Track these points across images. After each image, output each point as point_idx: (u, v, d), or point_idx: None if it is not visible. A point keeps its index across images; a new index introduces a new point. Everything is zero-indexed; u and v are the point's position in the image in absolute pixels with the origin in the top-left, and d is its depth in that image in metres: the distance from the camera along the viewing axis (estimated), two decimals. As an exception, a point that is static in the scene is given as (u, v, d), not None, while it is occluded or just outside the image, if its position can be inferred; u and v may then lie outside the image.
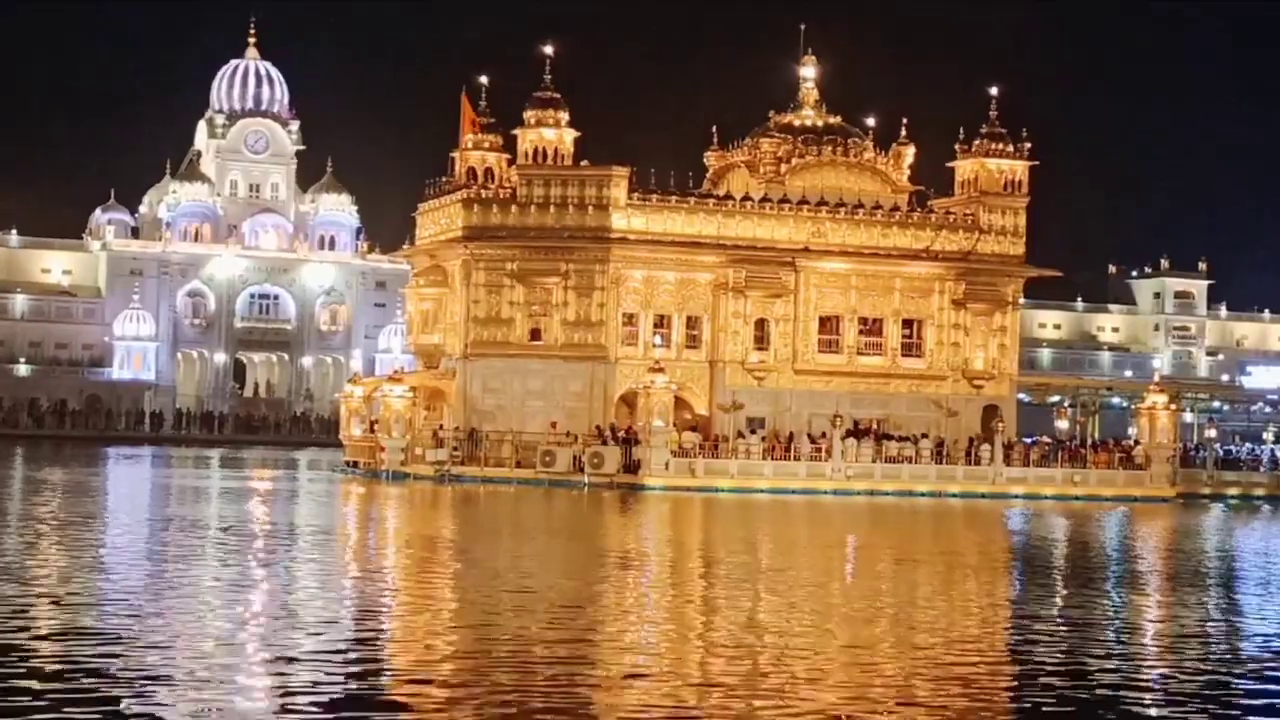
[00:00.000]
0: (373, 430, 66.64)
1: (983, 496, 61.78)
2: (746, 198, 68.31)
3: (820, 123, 71.34)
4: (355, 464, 67.32)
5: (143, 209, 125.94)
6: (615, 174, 66.30)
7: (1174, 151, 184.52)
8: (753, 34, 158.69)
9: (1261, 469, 71.96)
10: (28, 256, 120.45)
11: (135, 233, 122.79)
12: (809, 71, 72.62)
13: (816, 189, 69.06)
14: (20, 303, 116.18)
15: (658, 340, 66.01)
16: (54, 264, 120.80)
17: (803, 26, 73.27)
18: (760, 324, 67.23)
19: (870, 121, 71.88)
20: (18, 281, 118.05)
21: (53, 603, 23.70)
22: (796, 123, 71.16)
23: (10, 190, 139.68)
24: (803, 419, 66.09)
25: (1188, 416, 78.20)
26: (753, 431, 64.52)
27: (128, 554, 31.13)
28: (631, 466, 60.79)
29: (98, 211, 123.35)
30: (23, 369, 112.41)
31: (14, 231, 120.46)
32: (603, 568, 31.55)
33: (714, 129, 73.72)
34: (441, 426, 66.06)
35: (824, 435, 63.48)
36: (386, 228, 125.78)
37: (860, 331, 68.57)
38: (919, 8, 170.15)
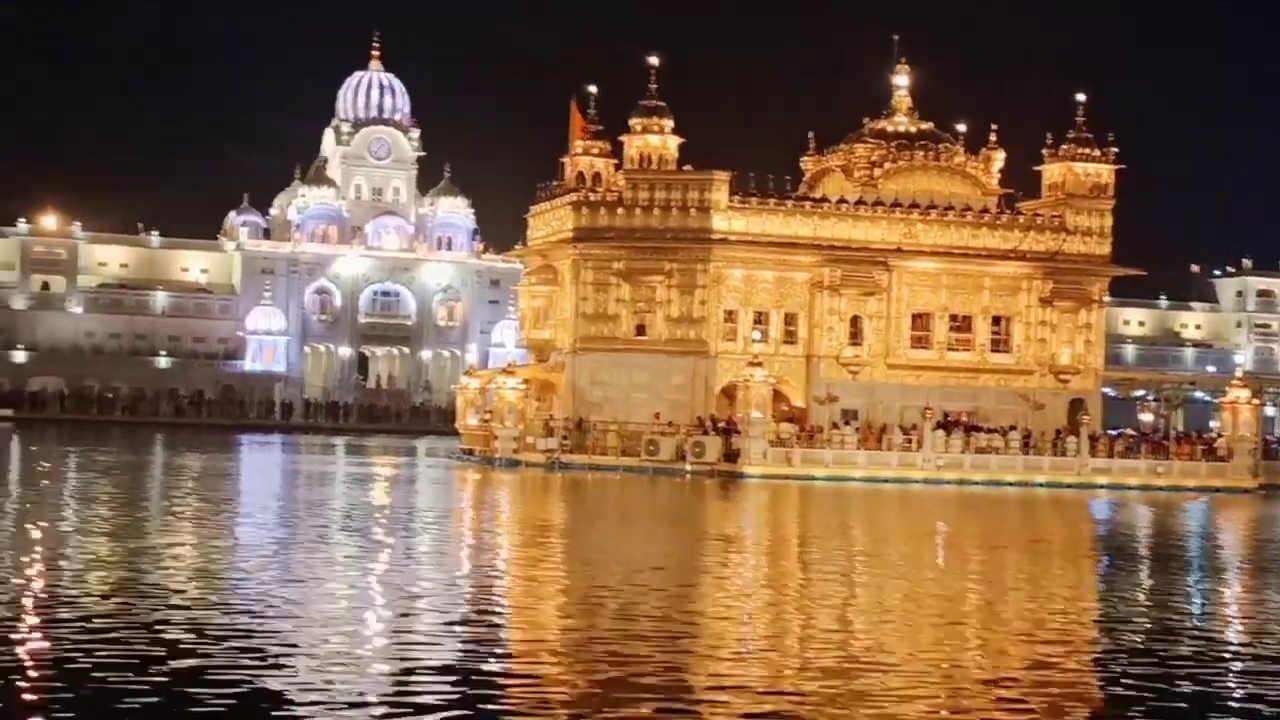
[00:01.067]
0: (487, 420, 66.97)
1: (1068, 487, 61.04)
2: (842, 200, 67.94)
3: (913, 128, 70.82)
4: (471, 451, 67.68)
5: (273, 211, 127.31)
6: (717, 178, 66.16)
7: (1255, 153, 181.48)
8: (848, 45, 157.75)
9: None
10: (167, 256, 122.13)
11: (267, 234, 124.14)
12: (902, 80, 72.13)
13: (908, 192, 68.55)
14: (161, 299, 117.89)
15: (756, 336, 65.81)
16: (192, 263, 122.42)
17: (896, 38, 72.93)
18: (854, 320, 66.87)
19: (960, 127, 71.28)
20: (159, 280, 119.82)
21: (190, 579, 24.00)
22: (890, 129, 70.70)
23: (152, 193, 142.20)
24: (895, 411, 65.63)
25: (1269, 410, 76.90)
26: (847, 423, 64.22)
27: (260, 535, 31.46)
28: (731, 455, 60.66)
29: (232, 214, 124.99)
30: (163, 361, 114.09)
31: (155, 233, 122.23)
32: (704, 550, 31.50)
33: (810, 135, 73.50)
34: (552, 416, 66.24)
35: (915, 427, 63.04)
36: (500, 229, 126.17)
37: (950, 328, 68.04)
38: (1006, 18, 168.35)
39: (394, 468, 61.41)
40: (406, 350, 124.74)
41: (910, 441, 62.45)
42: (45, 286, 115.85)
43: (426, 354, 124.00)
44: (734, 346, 65.60)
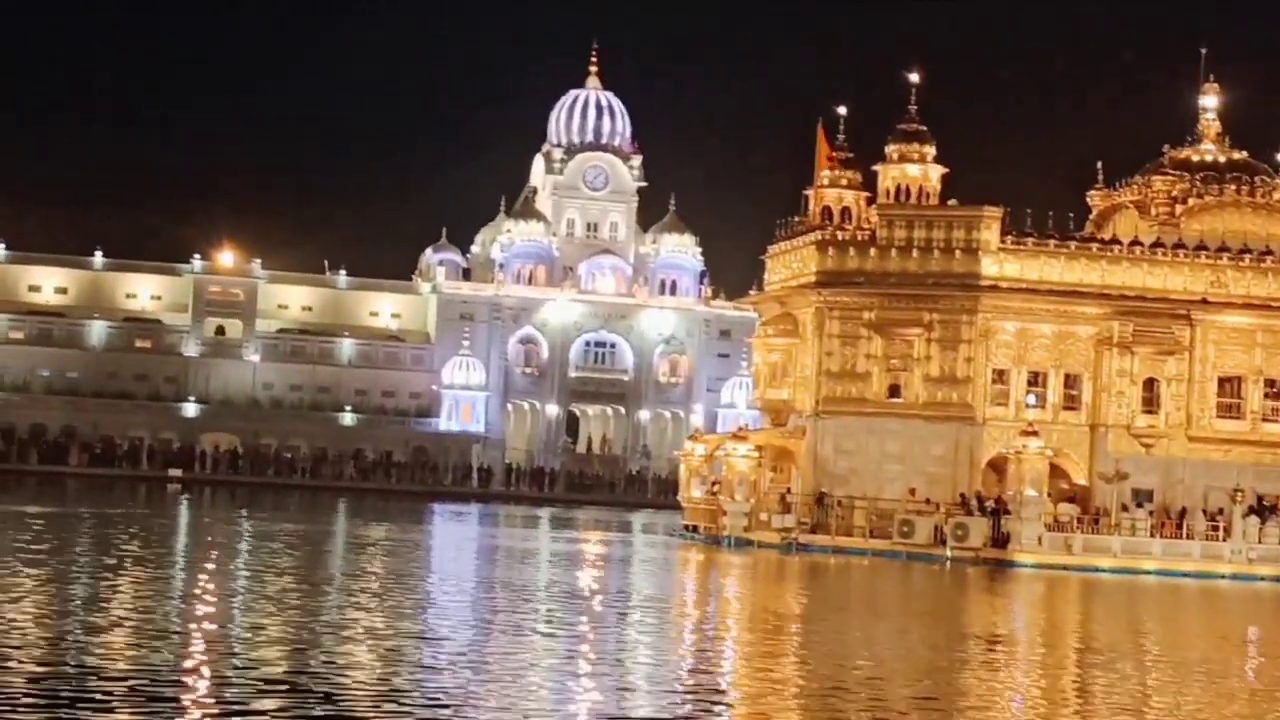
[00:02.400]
0: (714, 492, 67.03)
1: None
2: (1135, 242, 66.81)
3: (1222, 158, 69.42)
4: (694, 528, 67.79)
5: (475, 249, 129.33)
6: (986, 215, 65.57)
7: None
8: (1145, 60, 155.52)
9: None
10: (355, 298, 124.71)
11: (466, 274, 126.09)
12: (1210, 101, 70.79)
13: (1216, 233, 67.15)
14: (347, 347, 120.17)
15: (1031, 400, 64.90)
16: (382, 306, 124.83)
17: (1203, 50, 71.57)
18: (1149, 384, 65.57)
19: (1280, 157, 69.75)
20: (345, 324, 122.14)
21: (374, 665, 24.43)
22: (1195, 158, 69.40)
23: (339, 230, 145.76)
24: (1197, 492, 64.10)
25: None
26: (1139, 505, 62.89)
27: (455, 620, 31.89)
28: (999, 540, 59.82)
29: (428, 251, 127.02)
30: (348, 418, 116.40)
31: (342, 271, 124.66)
32: (966, 652, 31.08)
33: (1098, 165, 72.48)
34: (789, 490, 66.05)
35: (1222, 512, 61.51)
36: (732, 271, 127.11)
37: (1266, 395, 66.34)
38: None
39: (606, 545, 61.78)
40: (622, 410, 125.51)
41: (1216, 529, 60.93)
42: (220, 331, 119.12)
43: (645, 414, 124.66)
44: (1004, 412, 64.76)
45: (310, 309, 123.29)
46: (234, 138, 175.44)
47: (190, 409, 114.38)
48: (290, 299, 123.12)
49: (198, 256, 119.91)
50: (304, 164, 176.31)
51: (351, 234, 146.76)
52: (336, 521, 69.05)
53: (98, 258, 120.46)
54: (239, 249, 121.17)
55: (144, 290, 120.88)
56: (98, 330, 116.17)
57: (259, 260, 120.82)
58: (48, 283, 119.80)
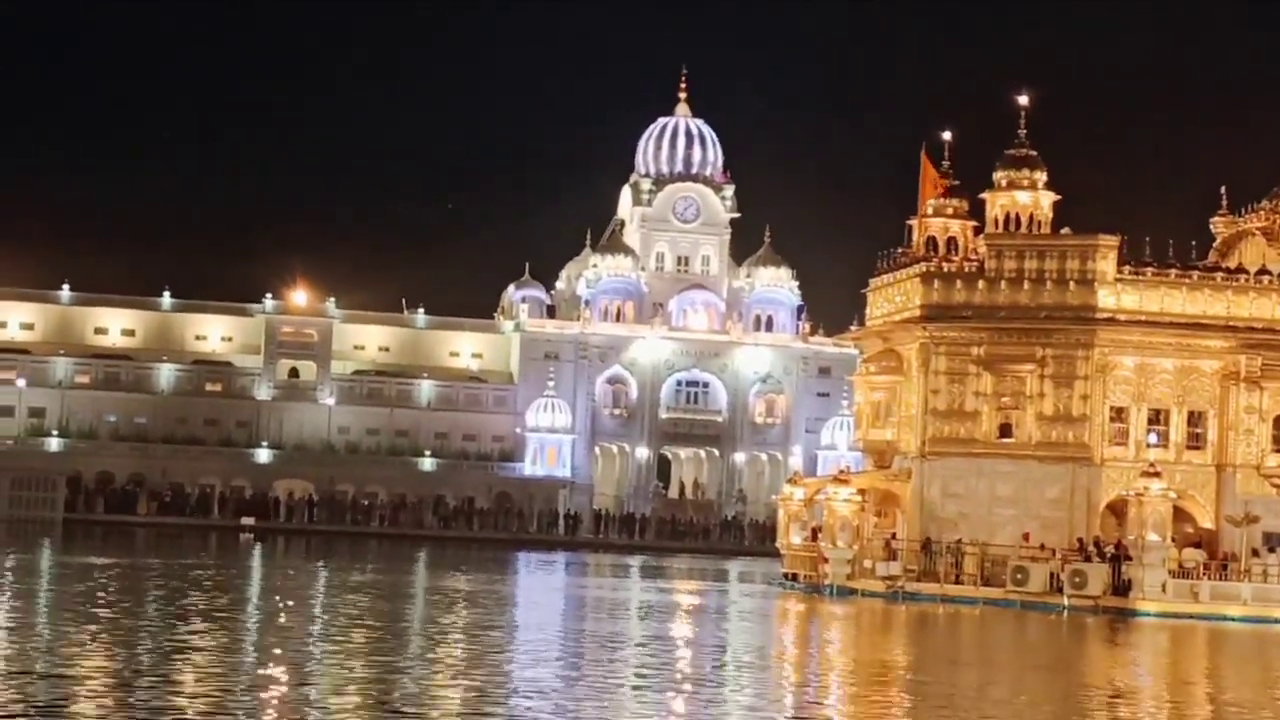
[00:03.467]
0: (814, 539, 66.79)
1: None
2: (1263, 271, 66.17)
3: (1356, 179, 68.74)
4: (794, 577, 67.54)
5: (559, 285, 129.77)
6: (1102, 243, 65.15)
7: None
8: (1274, 76, 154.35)
9: None
10: (434, 338, 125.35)
11: (551, 311, 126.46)
12: (1340, 118, 70.10)
13: (1351, 259, 66.52)
14: (426, 389, 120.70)
15: (1152, 439, 64.32)
16: (463, 346, 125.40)
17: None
18: (1279, 422, 64.93)
19: None
20: (424, 366, 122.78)
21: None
22: (1328, 179, 68.77)
23: (416, 266, 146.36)
24: (1332, 536, 63.37)
25: None
26: (1271, 549, 62.13)
27: (543, 676, 31.86)
28: (1120, 588, 59.25)
29: (511, 288, 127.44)
30: (428, 463, 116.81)
31: (420, 310, 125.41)
32: (1086, 707, 30.75)
33: (1222, 190, 71.85)
34: (894, 536, 65.72)
35: (1359, 557, 60.69)
36: (832, 306, 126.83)
37: (1405, 431, 65.44)
38: None
39: (700, 595, 61.62)
40: (716, 452, 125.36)
41: (1352, 575, 60.16)
42: (294, 374, 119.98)
43: (741, 457, 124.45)
44: (1124, 452, 64.24)
45: (387, 349, 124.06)
46: (306, 172, 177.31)
47: (263, 454, 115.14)
48: (366, 339, 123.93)
49: (269, 296, 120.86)
50: (380, 199, 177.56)
51: (430, 271, 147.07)
52: (417, 572, 69.25)
53: (166, 298, 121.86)
54: (312, 287, 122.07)
55: (214, 331, 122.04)
56: (166, 373, 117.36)
57: (333, 299, 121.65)
58: (114, 325, 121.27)
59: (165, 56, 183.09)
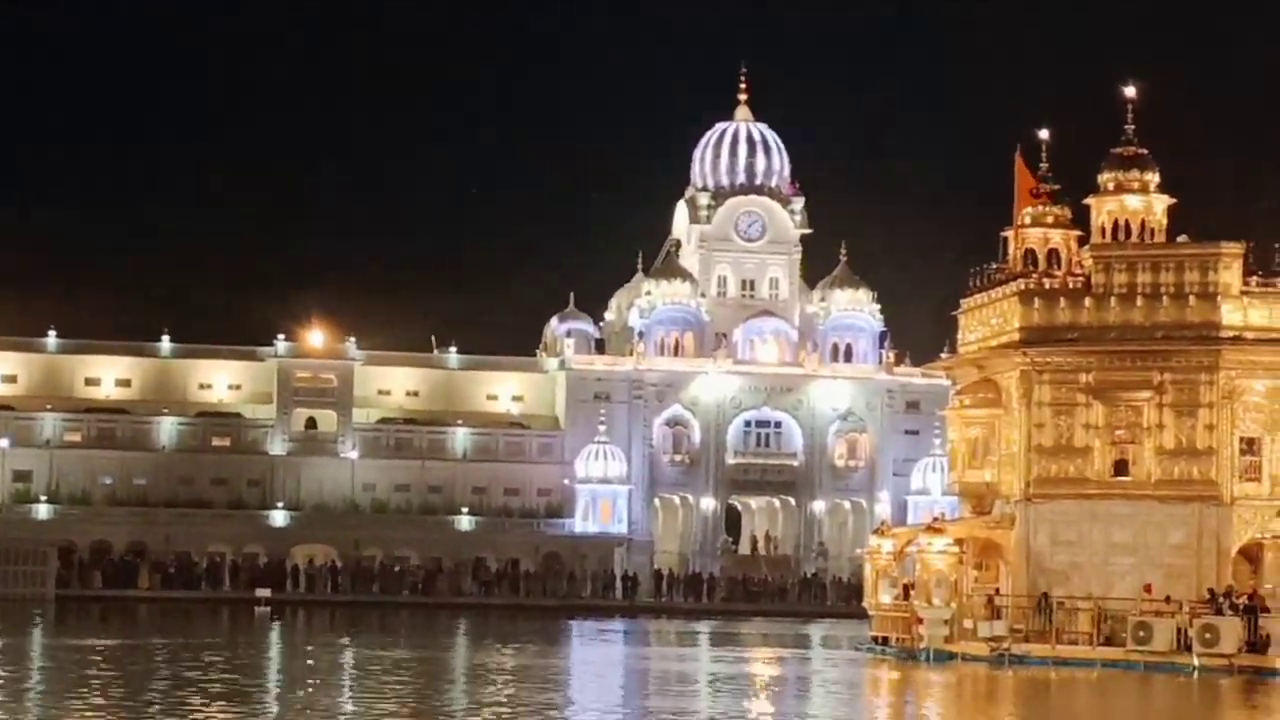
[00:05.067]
0: (906, 597, 66.67)
1: None
2: None
3: None
4: (884, 640, 67.38)
5: (609, 316, 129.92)
6: (1225, 252, 64.94)
7: None
8: None
9: None
10: (470, 380, 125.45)
11: (600, 346, 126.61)
12: None
13: None
14: (461, 438, 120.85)
15: (1290, 473, 64.05)
16: (501, 388, 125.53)
17: None
18: None
19: None
20: (458, 411, 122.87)
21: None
22: None
23: (447, 300, 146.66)
24: None
25: None
26: None
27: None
28: (1258, 644, 58.88)
29: (554, 321, 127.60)
30: (465, 521, 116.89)
31: (453, 349, 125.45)
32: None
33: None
34: (998, 591, 65.49)
35: None
36: (919, 332, 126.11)
37: None
38: None
39: (779, 665, 61.57)
40: (792, 501, 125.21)
41: None
42: (311, 424, 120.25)
43: (819, 506, 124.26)
44: (1257, 489, 63.90)
45: (416, 394, 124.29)
46: (320, 198, 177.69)
47: (279, 517, 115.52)
48: (392, 383, 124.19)
49: (282, 337, 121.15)
50: (404, 226, 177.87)
51: (462, 305, 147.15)
52: (456, 646, 69.35)
53: (165, 343, 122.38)
54: (330, 327, 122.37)
55: (220, 379, 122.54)
56: (167, 428, 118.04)
57: (354, 339, 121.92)
58: (107, 374, 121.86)
59: (159, 79, 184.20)
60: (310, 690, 45.87)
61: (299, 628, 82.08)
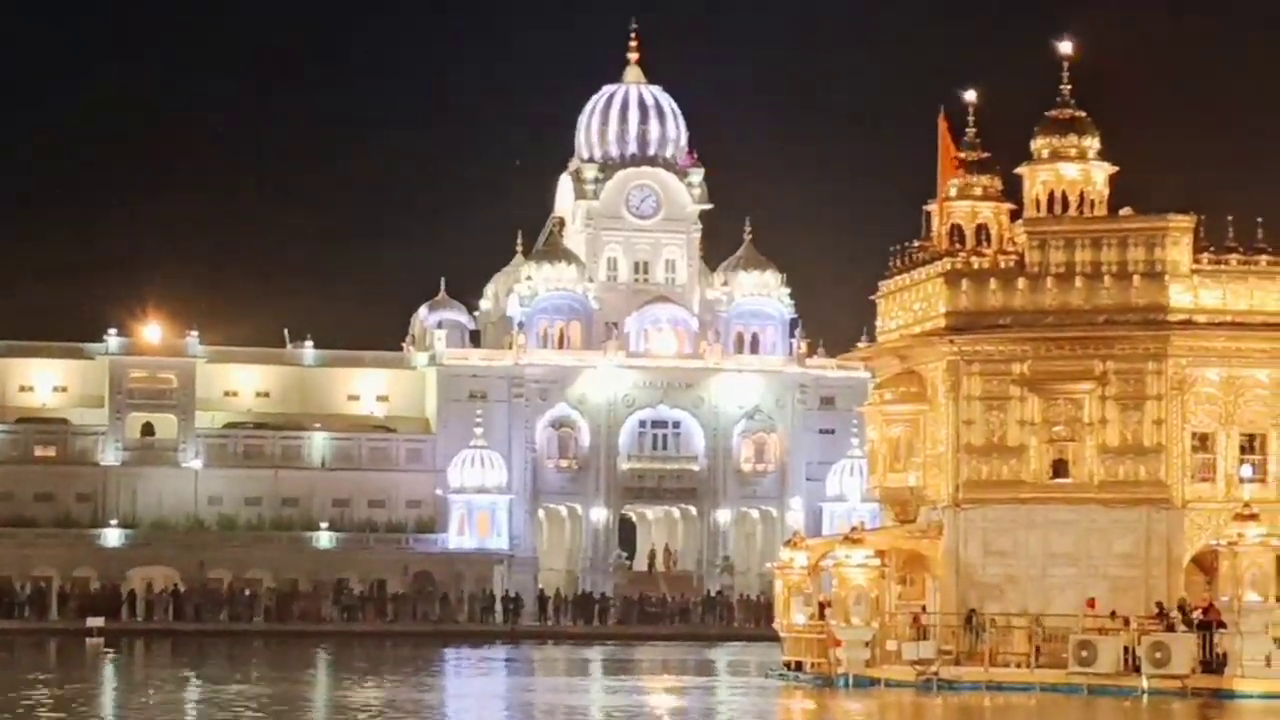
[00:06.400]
0: (822, 616, 66.88)
1: None
2: (1377, 252, 66.58)
3: None
4: (798, 666, 67.54)
5: (484, 304, 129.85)
6: (1173, 226, 65.37)
7: None
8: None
9: None
10: (328, 378, 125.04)
11: (475, 339, 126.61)
12: None
13: None
14: (318, 444, 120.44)
15: (1247, 472, 64.45)
16: (364, 387, 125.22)
17: None
18: None
19: None
20: (315, 414, 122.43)
21: None
22: None
23: (301, 290, 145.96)
24: None
25: None
26: (1403, 607, 62.46)
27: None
28: (1213, 664, 59.39)
29: (422, 311, 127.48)
30: (324, 538, 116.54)
31: (308, 343, 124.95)
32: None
33: (1321, 150, 72.25)
34: (924, 609, 65.82)
35: None
36: (834, 318, 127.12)
37: None
38: None
39: (681, 695, 61.63)
40: (693, 510, 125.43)
41: None
42: (148, 431, 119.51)
43: (724, 515, 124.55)
44: (1211, 490, 64.41)
45: (267, 395, 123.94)
46: (157, 179, 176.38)
47: (113, 536, 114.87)
48: (240, 383, 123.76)
49: (114, 332, 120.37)
50: (252, 207, 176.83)
51: (319, 294, 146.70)
52: (315, 680, 69.08)
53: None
54: (168, 320, 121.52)
55: (43, 380, 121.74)
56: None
57: (196, 333, 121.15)
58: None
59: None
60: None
61: (137, 661, 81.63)
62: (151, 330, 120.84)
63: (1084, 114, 67.58)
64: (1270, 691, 57.69)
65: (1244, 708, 55.87)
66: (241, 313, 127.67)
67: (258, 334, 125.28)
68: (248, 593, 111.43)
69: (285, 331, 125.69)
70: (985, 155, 69.29)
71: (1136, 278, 65.00)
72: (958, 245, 68.04)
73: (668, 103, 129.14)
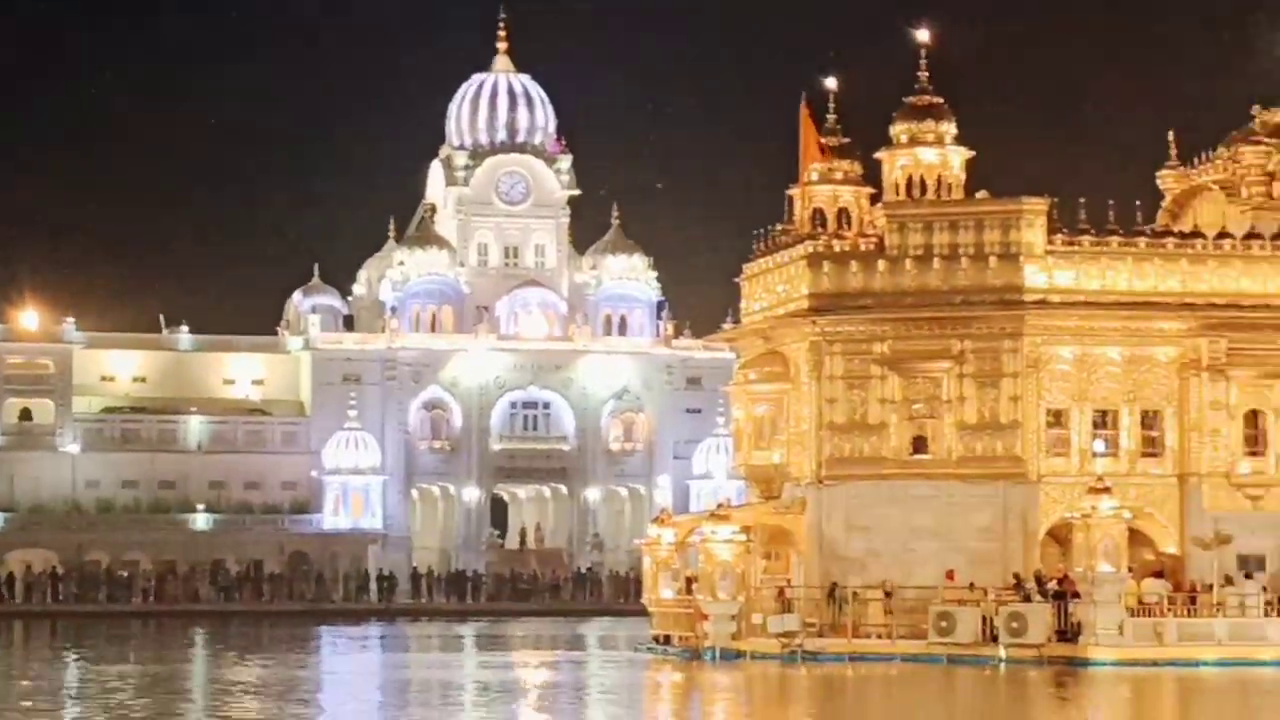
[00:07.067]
0: (690, 591, 67.00)
1: None
2: (1223, 234, 67.12)
3: (1332, 116, 69.99)
4: (666, 640, 67.68)
5: (357, 289, 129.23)
6: (1027, 208, 65.79)
7: None
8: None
9: None
10: (204, 362, 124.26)
11: (348, 323, 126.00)
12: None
13: (1330, 217, 67.70)
14: (195, 428, 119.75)
15: (1100, 447, 65.06)
16: (239, 371, 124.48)
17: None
18: (1253, 418, 65.81)
19: None
20: (191, 398, 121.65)
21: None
22: (1296, 120, 69.94)
23: (177, 275, 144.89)
24: (1323, 556, 64.51)
25: None
26: (1248, 576, 63.05)
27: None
28: (1068, 633, 59.87)
29: (296, 296, 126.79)
30: (200, 520, 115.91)
31: (184, 328, 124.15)
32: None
33: (1170, 136, 72.76)
34: (789, 583, 66.02)
35: (1357, 579, 61.87)
36: (700, 301, 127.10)
37: (1407, 425, 66.67)
38: None
39: (552, 669, 61.64)
40: (563, 489, 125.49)
41: (1350, 603, 61.28)
42: (25, 416, 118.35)
43: (594, 494, 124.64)
44: (1065, 465, 64.95)
45: (144, 380, 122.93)
46: (30, 160, 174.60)
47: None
48: (117, 368, 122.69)
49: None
50: (126, 191, 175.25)
51: (194, 280, 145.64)
52: (193, 658, 68.74)
53: None
54: (44, 306, 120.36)
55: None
56: None
57: (72, 320, 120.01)
58: None
59: None
60: (27, 714, 45.23)
61: (15, 643, 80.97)
62: (28, 317, 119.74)
63: (941, 100, 67.86)
64: (1123, 659, 58.26)
65: (1098, 675, 56.32)
66: (118, 299, 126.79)
67: (134, 320, 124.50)
68: (126, 574, 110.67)
69: (161, 317, 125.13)
70: (846, 141, 69.56)
71: (992, 259, 65.40)
72: (820, 229, 68.30)
73: (536, 91, 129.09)
